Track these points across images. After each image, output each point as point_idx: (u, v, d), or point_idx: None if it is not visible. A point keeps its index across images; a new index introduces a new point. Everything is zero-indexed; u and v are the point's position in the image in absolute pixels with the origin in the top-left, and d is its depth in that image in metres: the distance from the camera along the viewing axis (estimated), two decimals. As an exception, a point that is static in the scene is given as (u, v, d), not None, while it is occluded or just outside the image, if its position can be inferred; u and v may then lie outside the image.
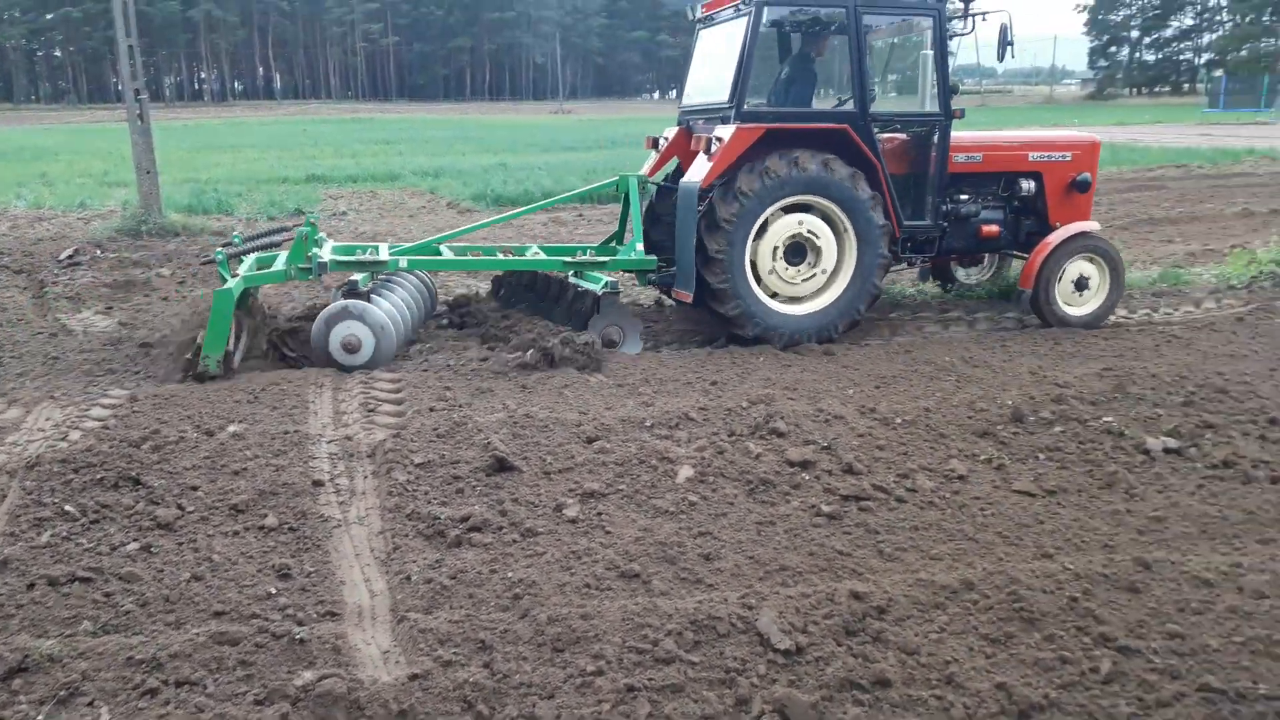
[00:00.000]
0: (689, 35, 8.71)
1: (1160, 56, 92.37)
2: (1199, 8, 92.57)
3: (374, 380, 6.28)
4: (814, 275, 7.39)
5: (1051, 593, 3.63)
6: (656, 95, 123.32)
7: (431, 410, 5.56)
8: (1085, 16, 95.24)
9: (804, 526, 4.34)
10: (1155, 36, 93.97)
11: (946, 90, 7.59)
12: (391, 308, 6.98)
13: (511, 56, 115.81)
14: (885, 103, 8.14)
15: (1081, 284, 8.00)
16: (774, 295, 7.40)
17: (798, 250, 7.36)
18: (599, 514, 4.35)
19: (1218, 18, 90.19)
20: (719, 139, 7.16)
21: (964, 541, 4.23)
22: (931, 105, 7.67)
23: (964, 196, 8.17)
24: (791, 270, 7.36)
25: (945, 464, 4.95)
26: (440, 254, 7.71)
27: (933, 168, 7.79)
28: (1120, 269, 8.11)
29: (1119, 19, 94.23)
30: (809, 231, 7.29)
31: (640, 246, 7.51)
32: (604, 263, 7.54)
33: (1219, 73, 67.89)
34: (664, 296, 8.37)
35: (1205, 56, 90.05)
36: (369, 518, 4.37)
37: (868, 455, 5.01)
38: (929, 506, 4.55)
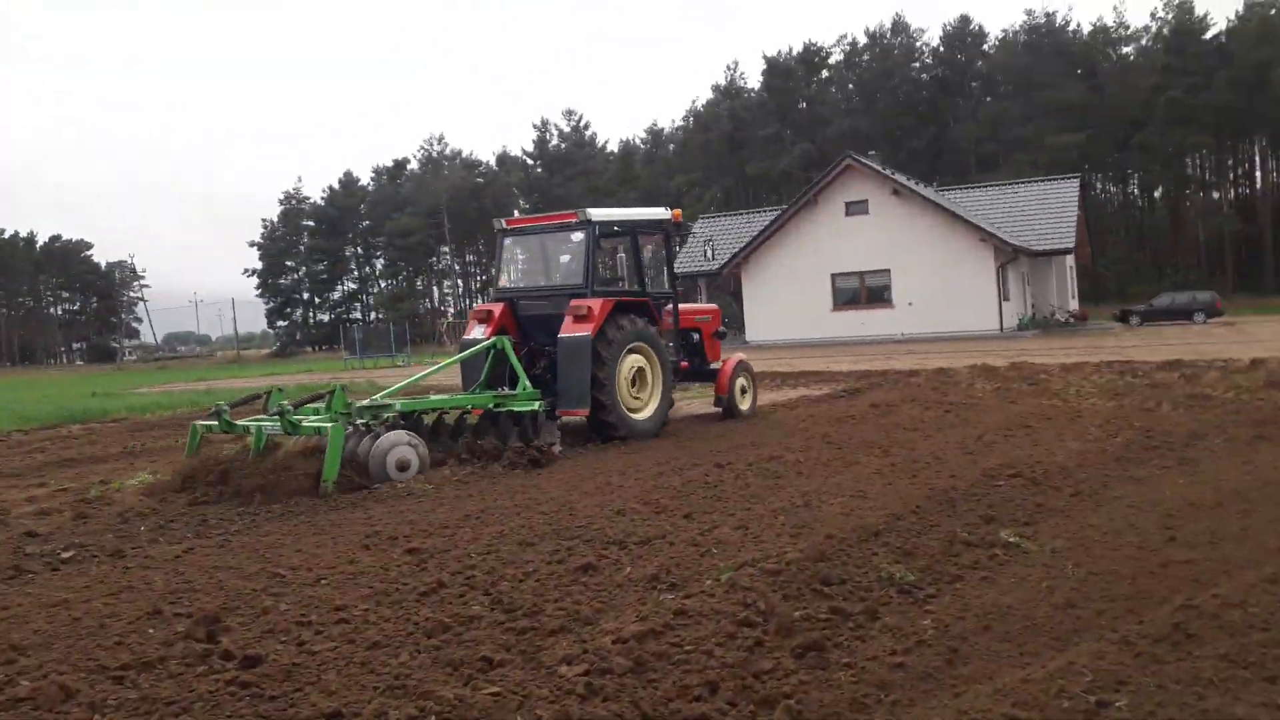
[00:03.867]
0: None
1: (332, 316, 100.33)
2: (358, 274, 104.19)
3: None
4: (648, 394, 11.11)
5: None
6: None
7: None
8: (256, 281, 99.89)
9: None
10: (325, 298, 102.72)
11: (674, 277, 12.28)
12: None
13: None
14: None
15: (743, 390, 12.73)
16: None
17: (637, 377, 11.00)
18: None
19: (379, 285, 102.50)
20: (590, 308, 10.38)
21: None
22: (668, 286, 12.19)
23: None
24: (635, 390, 10.96)
25: None
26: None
27: (673, 325, 11.99)
28: (755, 380, 13.21)
29: (289, 283, 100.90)
30: (645, 365, 11.07)
31: (528, 385, 10.41)
32: (517, 396, 10.14)
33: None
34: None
35: (373, 315, 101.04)
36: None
37: None
38: None
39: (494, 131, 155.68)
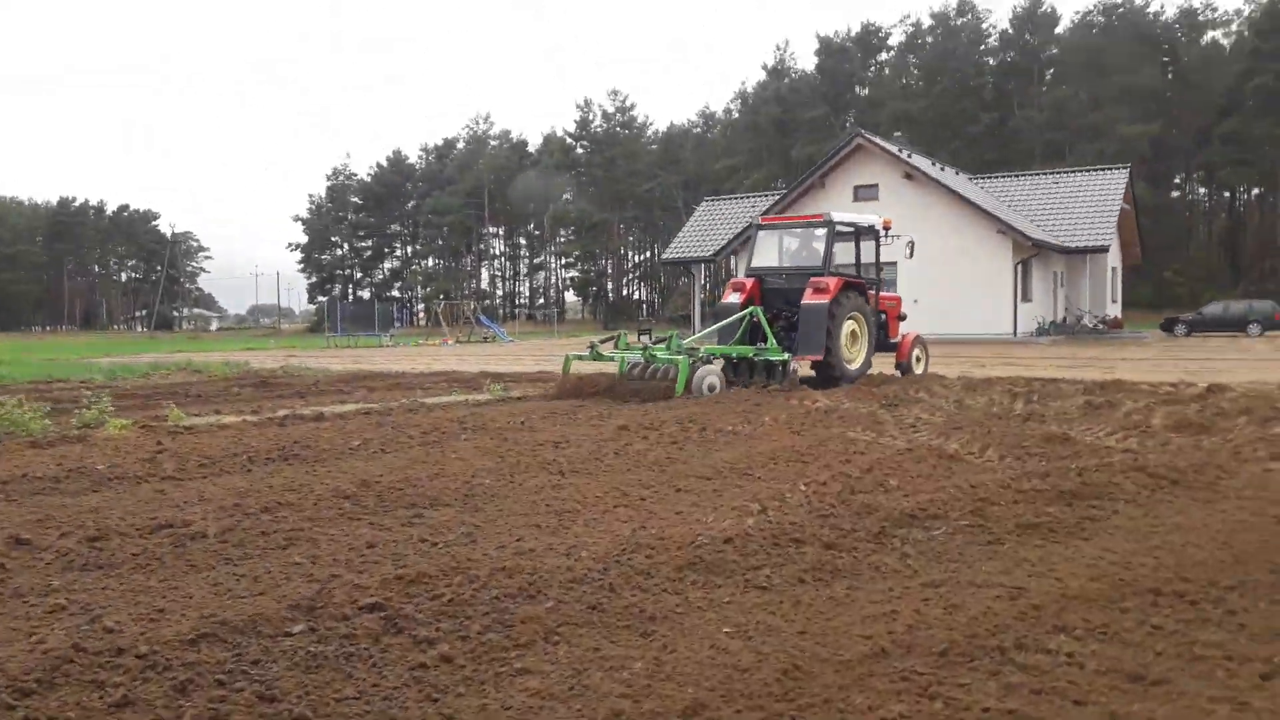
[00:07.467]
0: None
1: (373, 294, 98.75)
2: (403, 253, 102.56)
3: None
4: (857, 350, 14.06)
5: None
6: None
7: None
8: (299, 256, 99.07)
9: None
10: (368, 276, 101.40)
11: (879, 269, 15.19)
12: None
13: None
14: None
15: (918, 359, 15.07)
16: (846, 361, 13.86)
17: (851, 338, 13.90)
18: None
19: (418, 264, 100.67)
20: (828, 284, 13.38)
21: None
22: (875, 274, 15.09)
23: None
24: (850, 347, 13.84)
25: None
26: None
27: (874, 305, 14.71)
28: (927, 350, 15.41)
29: (331, 259, 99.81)
30: (856, 329, 14.00)
31: (774, 342, 13.71)
32: (768, 349, 13.30)
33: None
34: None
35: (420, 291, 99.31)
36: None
37: None
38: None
39: (542, 113, 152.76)
